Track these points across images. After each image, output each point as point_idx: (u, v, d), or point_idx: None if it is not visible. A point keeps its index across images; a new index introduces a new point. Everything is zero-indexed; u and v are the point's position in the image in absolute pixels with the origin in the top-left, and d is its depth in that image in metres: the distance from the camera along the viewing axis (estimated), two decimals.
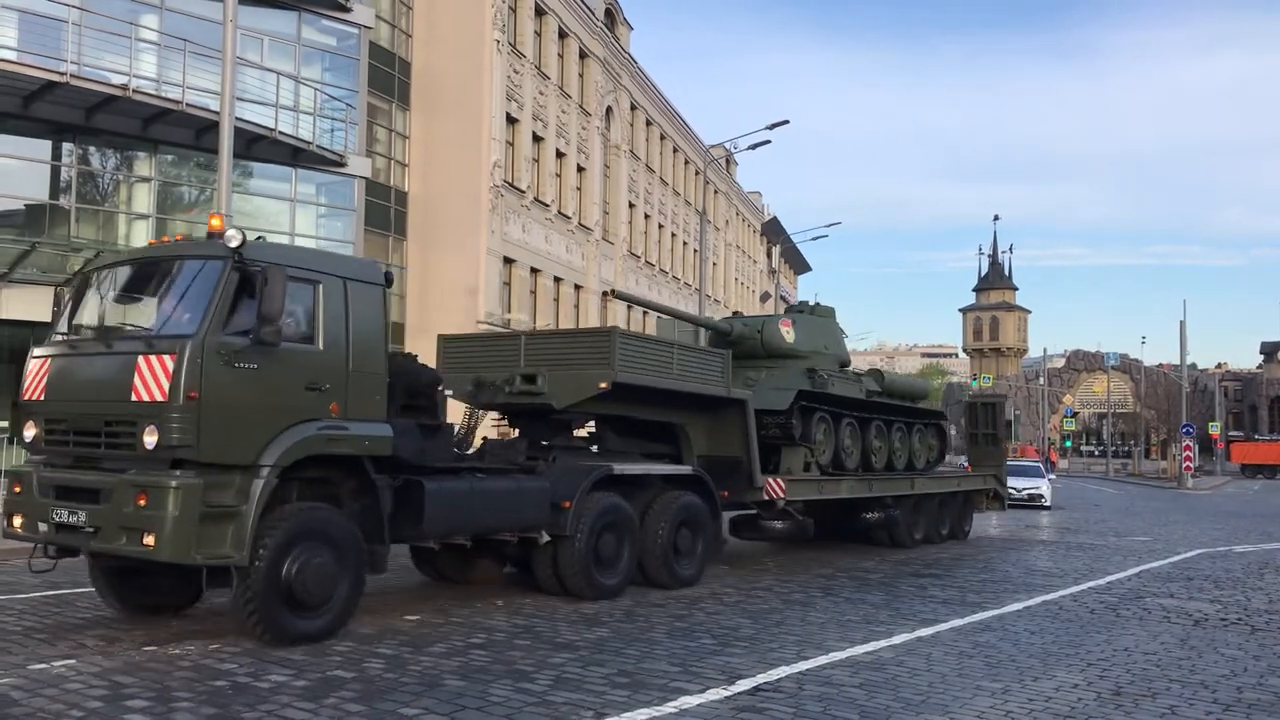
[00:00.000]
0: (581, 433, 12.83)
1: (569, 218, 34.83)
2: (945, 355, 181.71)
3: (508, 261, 30.07)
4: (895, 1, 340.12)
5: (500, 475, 10.34)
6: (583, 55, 36.25)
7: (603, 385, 10.72)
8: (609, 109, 39.07)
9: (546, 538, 10.31)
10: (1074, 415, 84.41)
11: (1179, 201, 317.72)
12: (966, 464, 21.84)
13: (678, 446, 12.88)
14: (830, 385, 15.10)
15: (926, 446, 18.22)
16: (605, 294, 14.84)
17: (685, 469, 12.34)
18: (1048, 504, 30.70)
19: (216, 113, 16.92)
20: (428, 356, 11.26)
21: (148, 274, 8.69)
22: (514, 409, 12.02)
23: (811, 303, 17.89)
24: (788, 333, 15.48)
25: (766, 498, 13.12)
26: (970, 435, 20.96)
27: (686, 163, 50.65)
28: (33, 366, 8.55)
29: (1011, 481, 31.73)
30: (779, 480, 13.31)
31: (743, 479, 12.86)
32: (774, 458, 14.17)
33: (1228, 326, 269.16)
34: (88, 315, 8.79)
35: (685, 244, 50.34)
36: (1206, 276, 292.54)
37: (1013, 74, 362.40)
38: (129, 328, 8.67)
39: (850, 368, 17.21)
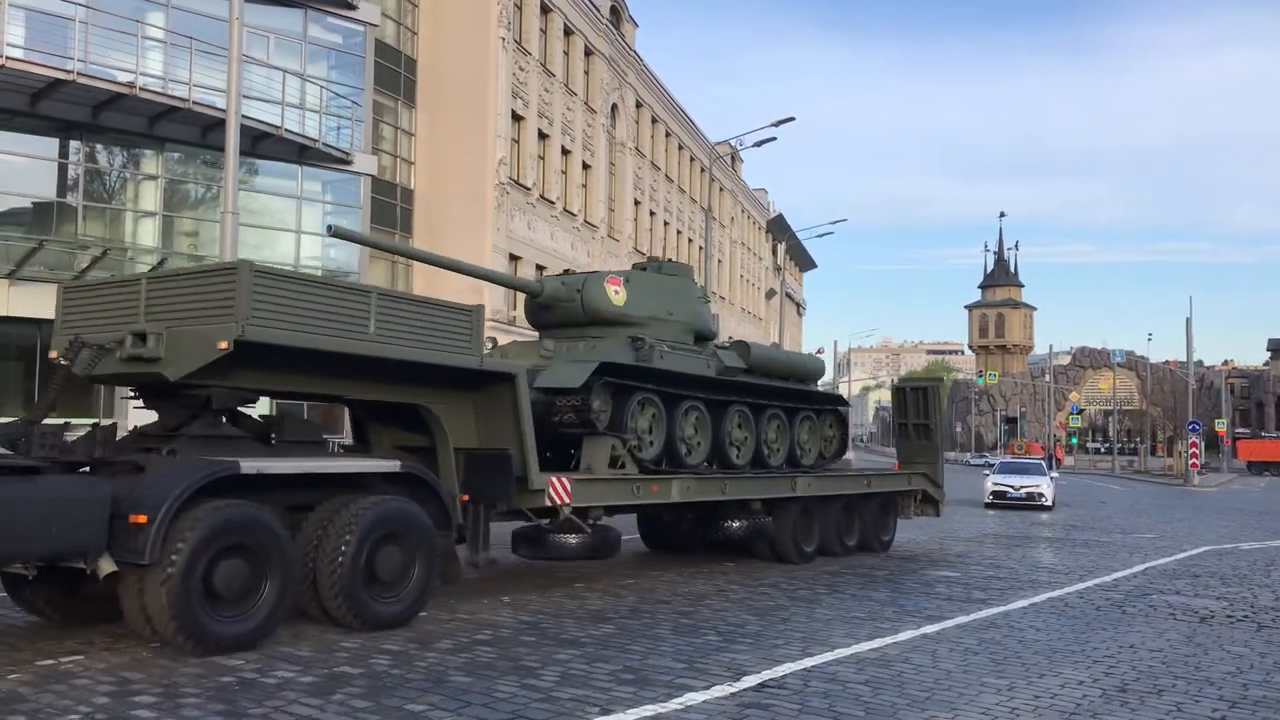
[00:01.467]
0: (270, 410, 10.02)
1: (574, 215, 34.85)
2: (951, 352, 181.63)
3: (513, 259, 30.08)
4: None
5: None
6: (588, 52, 36.25)
7: (222, 346, 7.58)
8: (614, 106, 39.07)
9: (110, 567, 7.21)
10: (1080, 412, 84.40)
11: (1188, 198, 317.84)
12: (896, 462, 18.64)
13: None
14: (656, 358, 11.97)
15: (820, 438, 15.13)
16: (328, 229, 12.11)
17: (388, 465, 9.17)
18: (1049, 503, 28.81)
19: (223, 110, 16.96)
20: None
21: None
22: (132, 381, 8.79)
23: (663, 258, 14.53)
24: (615, 293, 12.46)
25: (549, 503, 10.24)
26: (899, 426, 17.59)
27: (692, 160, 50.66)
28: None
29: (1009, 479, 29.86)
30: (564, 481, 10.38)
31: (517, 479, 9.90)
32: (577, 452, 11.52)
33: (1235, 323, 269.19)
34: None
35: (690, 241, 50.34)
36: (1214, 273, 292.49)
37: (1023, 71, 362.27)
38: None
39: (714, 341, 14.06)
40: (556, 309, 12.59)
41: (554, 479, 10.31)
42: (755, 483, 13.35)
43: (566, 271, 13.27)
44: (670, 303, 13.02)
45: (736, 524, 13.35)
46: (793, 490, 13.82)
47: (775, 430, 14.07)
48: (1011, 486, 29.36)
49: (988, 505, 29.10)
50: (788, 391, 14.34)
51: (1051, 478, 30.65)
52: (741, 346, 14.04)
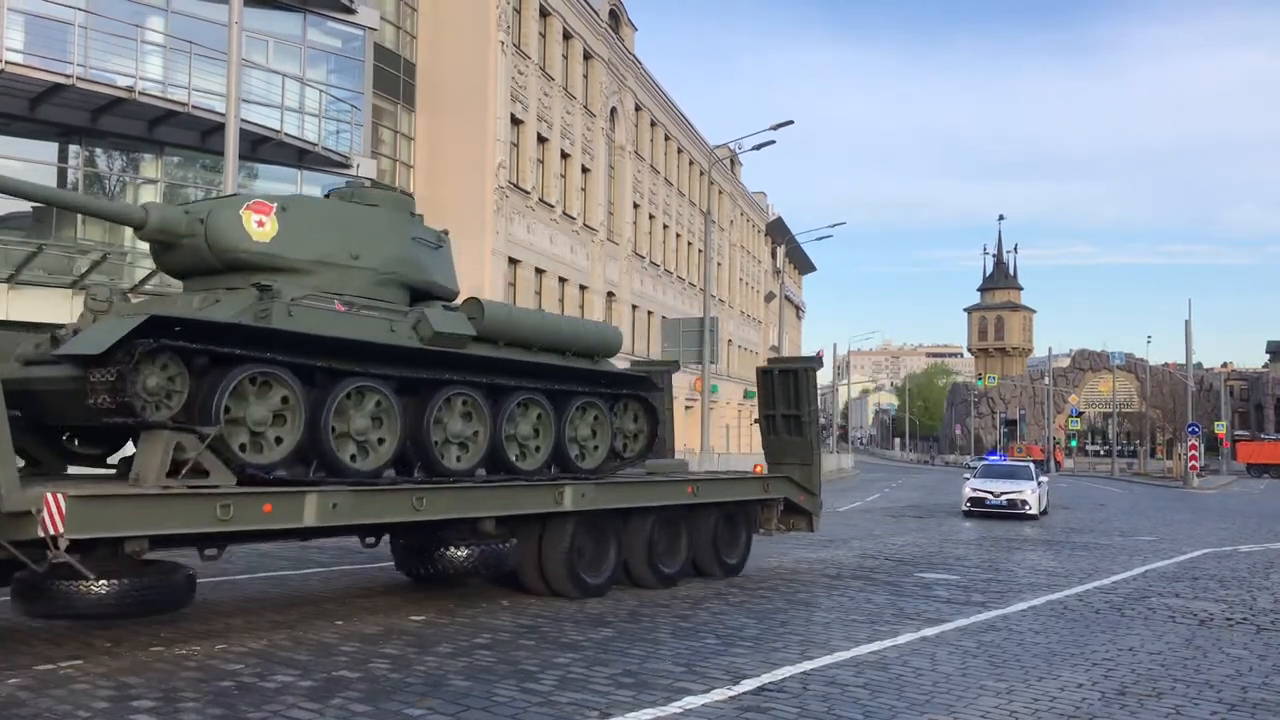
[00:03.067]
0: None
1: (574, 218, 34.88)
2: (951, 355, 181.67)
3: (512, 262, 30.12)
4: None
5: None
6: (587, 56, 36.30)
7: None
8: (613, 110, 39.12)
9: None
10: (1079, 415, 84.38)
11: (1188, 199, 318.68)
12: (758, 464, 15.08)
13: None
14: (282, 315, 8.36)
15: (615, 432, 11.29)
16: None
17: None
18: (1034, 511, 25.14)
19: (222, 114, 16.99)
20: None
21: None
22: None
23: (367, 183, 10.45)
24: (258, 225, 8.86)
25: (41, 533, 6.71)
26: (765, 419, 13.86)
27: (691, 163, 50.71)
28: None
29: (989, 484, 26.03)
30: (59, 498, 6.69)
31: None
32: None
33: (1234, 325, 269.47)
34: None
35: (690, 244, 50.38)
36: (1214, 275, 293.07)
37: (1024, 71, 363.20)
38: None
39: (454, 304, 10.28)
40: (180, 248, 9.01)
41: (50, 496, 6.71)
42: (480, 495, 9.66)
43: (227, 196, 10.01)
44: (357, 242, 9.33)
45: (463, 551, 9.64)
46: (558, 503, 10.21)
47: (533, 422, 10.33)
48: (991, 493, 25.79)
49: (965, 514, 25.99)
50: (552, 370, 10.52)
51: (1039, 482, 26.77)
52: (472, 306, 10.04)
